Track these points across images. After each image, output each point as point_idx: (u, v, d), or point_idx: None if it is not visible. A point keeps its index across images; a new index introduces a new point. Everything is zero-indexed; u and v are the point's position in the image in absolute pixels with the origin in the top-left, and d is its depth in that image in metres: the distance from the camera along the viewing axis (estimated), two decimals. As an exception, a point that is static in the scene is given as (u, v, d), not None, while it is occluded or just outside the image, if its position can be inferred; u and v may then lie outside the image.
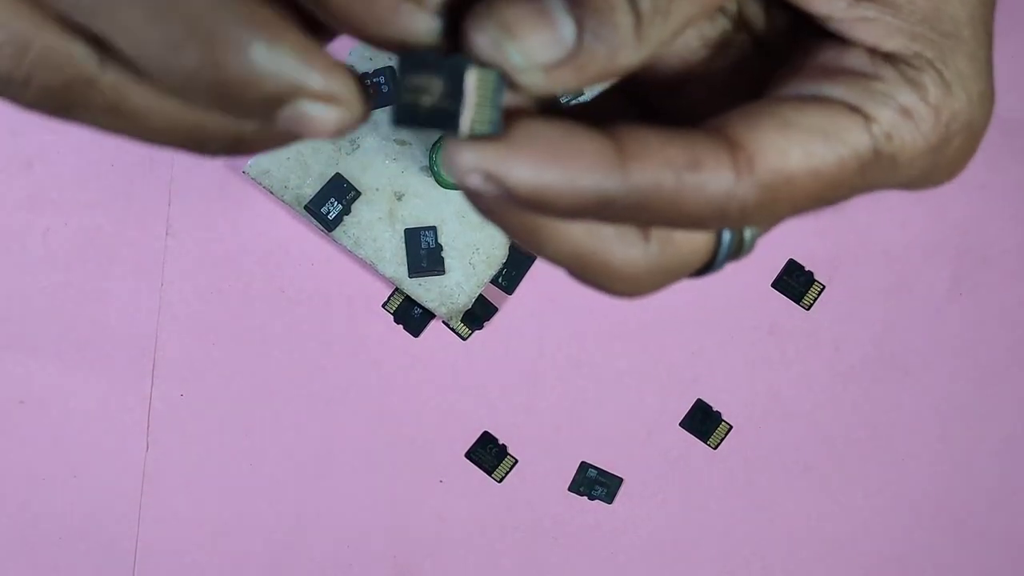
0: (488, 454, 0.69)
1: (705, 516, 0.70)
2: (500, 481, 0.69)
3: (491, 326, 0.69)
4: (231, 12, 0.22)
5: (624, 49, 0.22)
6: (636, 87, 0.28)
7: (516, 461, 0.69)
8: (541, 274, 0.68)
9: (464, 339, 0.69)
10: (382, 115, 0.65)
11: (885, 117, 0.25)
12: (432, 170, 0.64)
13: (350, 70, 0.23)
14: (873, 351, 0.71)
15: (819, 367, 0.70)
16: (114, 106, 0.24)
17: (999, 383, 0.71)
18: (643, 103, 0.29)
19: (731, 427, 0.70)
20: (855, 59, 0.26)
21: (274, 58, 0.22)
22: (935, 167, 0.27)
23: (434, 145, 0.64)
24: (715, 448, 0.70)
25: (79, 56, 0.23)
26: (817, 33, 0.27)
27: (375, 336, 0.68)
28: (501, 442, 0.69)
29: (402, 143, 0.65)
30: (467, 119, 0.21)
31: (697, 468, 0.70)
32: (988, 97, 0.27)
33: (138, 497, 0.67)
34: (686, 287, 0.70)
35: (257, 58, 0.22)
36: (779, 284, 0.70)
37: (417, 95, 0.21)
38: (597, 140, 0.23)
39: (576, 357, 0.69)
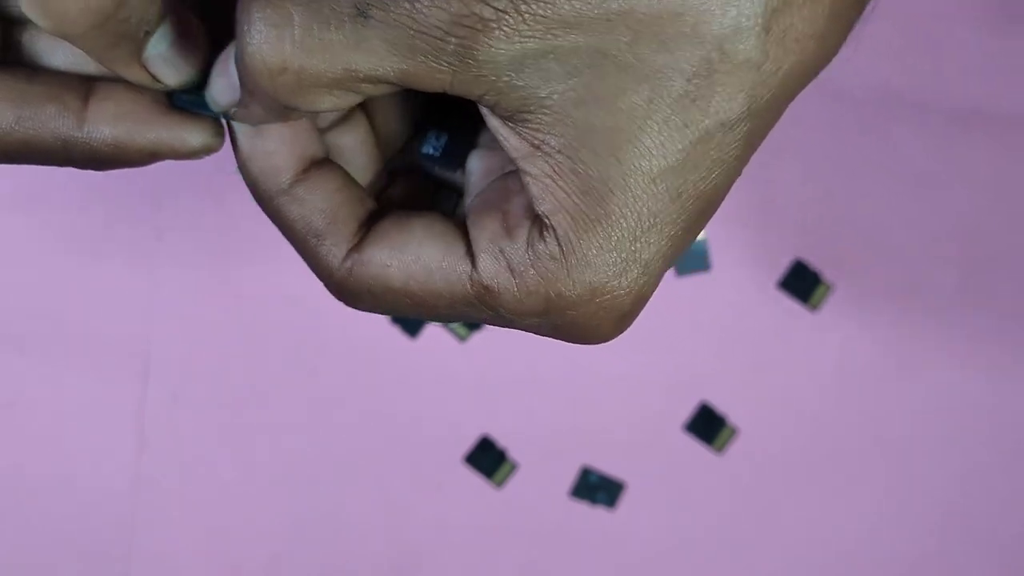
0: (487, 459, 0.67)
1: (709, 522, 0.69)
2: (500, 486, 0.68)
3: (490, 327, 0.68)
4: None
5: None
6: None
7: (516, 466, 0.68)
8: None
9: (462, 340, 0.68)
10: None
11: (490, 273, 0.27)
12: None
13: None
14: (881, 352, 0.70)
15: (827, 369, 0.69)
16: None
17: (1010, 384, 0.70)
18: None
19: (736, 430, 0.69)
20: (516, 203, 0.28)
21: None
22: (573, 329, 0.28)
23: (425, 153, 0.63)
24: (720, 452, 0.69)
25: None
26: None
27: (371, 337, 0.67)
28: (500, 446, 0.68)
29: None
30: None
31: (701, 473, 0.69)
32: (629, 280, 0.27)
33: (131, 501, 0.67)
34: (689, 287, 0.69)
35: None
36: (785, 284, 0.69)
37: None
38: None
39: (577, 359, 0.68)
